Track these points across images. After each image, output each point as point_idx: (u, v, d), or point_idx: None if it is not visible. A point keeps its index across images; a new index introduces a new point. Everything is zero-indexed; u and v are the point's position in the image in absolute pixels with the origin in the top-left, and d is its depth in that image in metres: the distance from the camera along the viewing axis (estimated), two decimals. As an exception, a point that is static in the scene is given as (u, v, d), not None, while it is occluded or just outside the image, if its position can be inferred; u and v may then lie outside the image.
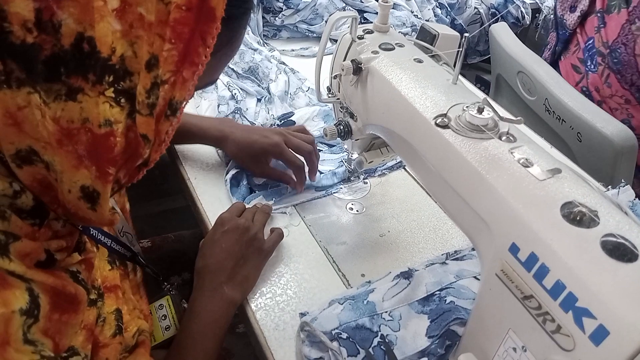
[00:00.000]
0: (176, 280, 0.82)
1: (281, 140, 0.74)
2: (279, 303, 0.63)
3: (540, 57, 1.18)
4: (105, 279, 0.53)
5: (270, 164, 0.77)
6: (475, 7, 1.48)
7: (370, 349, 0.56)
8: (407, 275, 0.64)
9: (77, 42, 0.32)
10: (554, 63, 1.24)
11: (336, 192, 0.80)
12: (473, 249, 0.68)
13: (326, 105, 0.93)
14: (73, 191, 0.36)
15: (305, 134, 0.80)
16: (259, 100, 0.98)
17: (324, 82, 0.67)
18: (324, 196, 0.79)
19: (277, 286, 0.65)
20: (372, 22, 0.63)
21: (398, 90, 0.53)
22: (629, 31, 1.00)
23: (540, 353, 0.39)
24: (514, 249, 0.39)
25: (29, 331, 0.34)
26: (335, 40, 0.66)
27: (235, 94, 0.95)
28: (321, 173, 0.81)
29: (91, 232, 0.51)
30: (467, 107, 0.46)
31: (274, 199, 0.76)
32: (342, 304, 0.60)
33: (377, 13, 0.61)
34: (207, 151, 0.84)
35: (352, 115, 0.66)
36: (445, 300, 0.60)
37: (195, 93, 0.46)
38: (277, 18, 1.20)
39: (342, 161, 0.83)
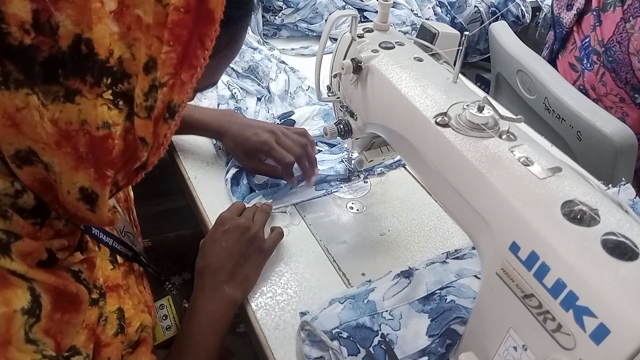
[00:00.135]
0: (177, 280, 0.82)
1: (271, 138, 0.74)
2: (280, 302, 0.63)
3: (540, 55, 1.18)
4: (107, 279, 0.53)
5: (263, 160, 0.77)
6: (475, 6, 1.48)
7: (371, 348, 0.56)
8: (408, 274, 0.64)
9: (75, 44, 0.32)
10: (552, 62, 1.24)
11: (336, 191, 0.80)
12: (473, 248, 0.68)
13: (326, 104, 0.93)
14: (72, 192, 0.36)
15: (303, 136, 0.80)
16: (258, 99, 0.98)
17: (324, 81, 0.67)
18: (324, 195, 0.79)
19: (278, 285, 0.65)
20: (372, 21, 0.63)
21: (398, 89, 0.53)
22: (623, 29, 1.00)
23: (541, 352, 0.39)
24: (514, 248, 0.39)
25: (31, 331, 0.34)
26: (335, 39, 0.66)
27: (235, 93, 0.95)
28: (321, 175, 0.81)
29: (93, 232, 0.51)
30: (467, 105, 0.46)
31: (273, 198, 0.76)
32: (342, 303, 0.60)
33: (377, 12, 0.61)
34: (206, 150, 0.84)
35: (352, 114, 0.66)
36: (446, 299, 0.60)
37: (194, 92, 0.46)
38: (277, 17, 1.20)
39: (342, 160, 0.83)
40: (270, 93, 0.98)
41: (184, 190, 0.81)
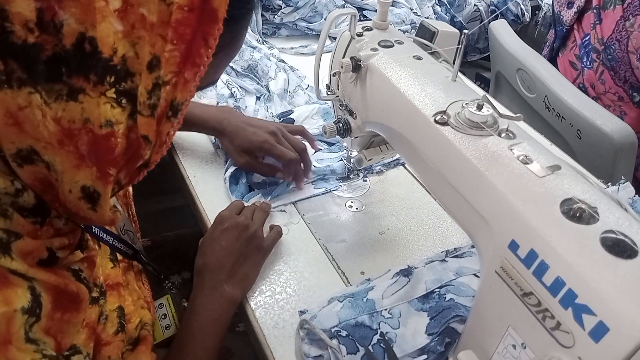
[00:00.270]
0: (176, 279, 0.82)
1: (270, 138, 0.74)
2: (279, 301, 0.63)
3: (540, 54, 1.18)
4: (107, 277, 0.53)
5: (260, 160, 0.77)
6: (474, 5, 1.48)
7: (370, 347, 0.56)
8: (407, 272, 0.64)
9: (79, 43, 0.32)
10: (552, 60, 1.24)
11: (335, 189, 0.80)
12: (473, 247, 0.68)
13: (325, 103, 0.92)
14: (74, 191, 0.36)
15: (303, 135, 0.80)
16: (258, 98, 0.98)
17: (323, 79, 0.67)
18: (323, 194, 0.79)
19: (277, 284, 0.65)
20: (371, 20, 0.63)
21: (397, 87, 0.53)
22: (623, 27, 1.00)
23: (540, 350, 0.39)
24: (513, 246, 0.39)
25: (31, 330, 0.34)
26: (335, 38, 0.66)
27: (234, 92, 0.95)
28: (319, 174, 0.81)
29: (93, 230, 0.51)
30: (466, 104, 0.46)
31: (272, 196, 0.76)
32: (341, 302, 0.60)
33: (376, 10, 0.61)
34: (206, 149, 0.84)
35: (351, 113, 0.66)
36: (445, 297, 0.60)
37: (194, 93, 0.46)
38: (276, 16, 1.20)
39: (341, 159, 0.83)
40: (269, 92, 0.98)
41: (183, 189, 0.81)
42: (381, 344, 0.56)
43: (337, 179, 0.81)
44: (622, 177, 0.77)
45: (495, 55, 1.28)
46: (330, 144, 0.88)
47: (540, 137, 0.92)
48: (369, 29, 0.62)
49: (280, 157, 0.74)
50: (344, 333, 0.56)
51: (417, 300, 0.60)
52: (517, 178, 0.41)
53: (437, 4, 1.42)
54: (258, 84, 1.00)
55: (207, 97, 0.94)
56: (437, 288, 0.61)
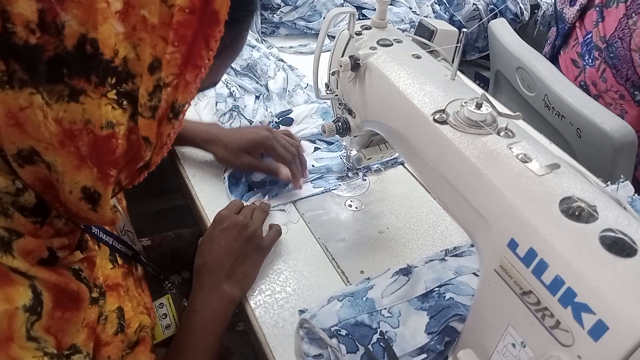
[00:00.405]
0: (176, 278, 0.82)
1: (269, 135, 0.75)
2: (278, 300, 0.63)
3: (541, 52, 1.18)
4: (106, 278, 0.53)
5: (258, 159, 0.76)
6: (474, 4, 1.48)
7: (370, 346, 0.56)
8: (406, 271, 0.64)
9: (80, 44, 0.32)
10: (554, 58, 1.24)
11: (335, 188, 0.80)
12: (472, 245, 0.68)
13: (324, 103, 0.92)
14: (74, 192, 0.36)
15: (290, 137, 0.80)
16: (257, 97, 0.98)
17: (322, 78, 0.67)
18: (323, 193, 0.79)
19: (276, 283, 0.65)
20: (370, 19, 0.63)
21: (396, 86, 0.53)
22: (625, 25, 1.00)
23: (539, 348, 0.39)
24: (512, 245, 0.39)
25: (32, 328, 0.34)
26: (334, 37, 0.66)
27: (233, 91, 0.95)
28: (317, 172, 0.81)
29: (93, 231, 0.51)
30: (465, 102, 0.46)
31: (271, 196, 0.76)
32: (341, 301, 0.60)
33: (375, 9, 0.61)
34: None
35: (350, 112, 0.66)
36: (445, 296, 0.60)
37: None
38: (275, 15, 1.20)
39: (341, 158, 0.83)
40: (268, 91, 0.98)
41: (183, 188, 0.81)
42: (381, 343, 0.56)
43: (336, 178, 0.81)
44: (622, 176, 0.77)
45: (494, 54, 1.28)
46: (330, 143, 0.88)
47: (540, 135, 0.92)
48: (368, 28, 0.62)
49: (281, 155, 0.74)
50: (343, 332, 0.56)
51: (417, 299, 0.60)
52: (516, 177, 0.41)
53: (436, 3, 1.42)
54: (257, 83, 1.00)
55: (207, 96, 0.94)
56: (437, 287, 0.61)
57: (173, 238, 0.90)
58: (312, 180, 0.80)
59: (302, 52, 1.16)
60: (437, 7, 1.42)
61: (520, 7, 1.51)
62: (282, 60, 1.07)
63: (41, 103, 0.32)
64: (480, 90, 0.56)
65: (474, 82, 1.44)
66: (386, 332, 0.57)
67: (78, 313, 0.40)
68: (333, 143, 0.88)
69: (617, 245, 0.35)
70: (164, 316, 0.62)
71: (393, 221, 0.75)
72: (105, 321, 0.47)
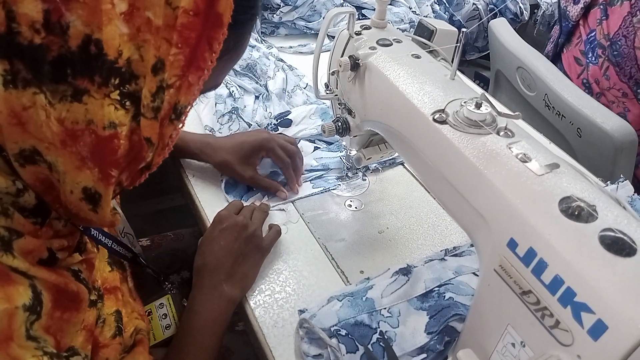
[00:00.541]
0: (176, 279, 0.82)
1: (268, 137, 0.75)
2: (278, 300, 0.63)
3: (543, 51, 1.18)
4: (105, 281, 0.53)
5: (257, 166, 0.76)
6: (473, 3, 1.48)
7: (369, 346, 0.56)
8: (406, 271, 0.64)
9: (85, 44, 0.32)
10: (557, 56, 1.24)
11: (334, 188, 0.80)
12: (472, 245, 0.68)
13: (324, 103, 0.92)
14: (75, 192, 0.36)
15: (293, 144, 0.80)
16: (256, 97, 0.98)
17: (322, 78, 0.67)
18: (322, 192, 0.79)
19: (276, 283, 0.65)
20: (369, 19, 0.63)
21: (396, 86, 0.53)
22: (630, 23, 1.00)
23: (539, 348, 0.39)
24: (512, 244, 0.39)
25: (32, 328, 0.34)
26: (333, 37, 0.66)
27: (232, 91, 0.95)
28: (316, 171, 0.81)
29: (92, 233, 0.51)
30: (464, 102, 0.46)
31: (270, 196, 0.76)
32: (340, 301, 0.60)
33: (374, 9, 0.61)
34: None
35: (350, 112, 0.66)
36: (444, 296, 0.60)
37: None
38: (275, 15, 1.20)
39: (340, 158, 0.83)
40: (268, 91, 0.98)
41: (183, 189, 0.81)
42: (380, 343, 0.56)
43: (336, 178, 0.81)
44: (621, 176, 0.77)
45: (495, 54, 1.28)
46: (329, 143, 0.88)
47: (539, 135, 0.92)
48: (368, 28, 0.62)
49: (280, 157, 0.75)
50: (343, 332, 0.56)
51: (417, 299, 0.60)
52: (515, 176, 0.41)
53: (435, 3, 1.42)
54: (257, 83, 1.00)
55: (207, 96, 0.94)
56: (437, 287, 0.61)
57: (173, 238, 0.90)
58: (312, 180, 0.80)
59: (301, 52, 1.16)
60: (436, 7, 1.42)
61: (520, 7, 1.51)
62: (281, 60, 1.07)
63: (44, 103, 0.32)
64: (479, 90, 0.56)
65: (474, 82, 1.44)
66: (386, 331, 0.57)
67: (77, 314, 0.40)
68: (333, 143, 0.88)
69: (617, 245, 0.35)
70: (164, 316, 0.62)
71: (393, 221, 0.75)
72: (103, 324, 0.47)
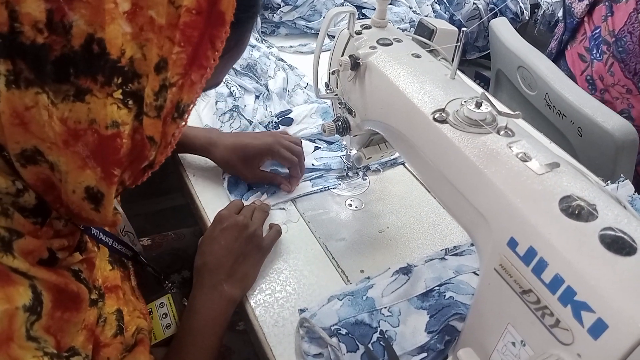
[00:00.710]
0: (176, 278, 0.82)
1: (274, 141, 0.75)
2: (278, 299, 0.63)
3: (543, 50, 1.18)
4: (105, 279, 0.53)
5: (261, 167, 0.76)
6: (474, 3, 1.48)
7: (370, 345, 0.56)
8: (406, 271, 0.64)
9: (87, 44, 0.32)
10: (561, 53, 1.25)
11: (335, 188, 0.80)
12: (472, 245, 0.68)
13: (324, 103, 0.92)
14: (77, 192, 0.36)
15: (298, 145, 0.80)
16: (257, 97, 0.98)
17: (322, 78, 0.67)
18: (322, 191, 0.79)
19: (276, 283, 0.65)
20: (370, 18, 0.62)
21: (396, 85, 0.53)
22: (635, 20, 1.01)
23: (539, 347, 0.39)
24: (512, 244, 0.39)
25: (32, 328, 0.34)
26: (334, 36, 0.66)
27: (233, 90, 0.95)
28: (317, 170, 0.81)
29: (92, 232, 0.51)
30: (465, 101, 0.46)
31: (270, 195, 0.76)
32: (341, 300, 0.60)
33: (375, 9, 0.61)
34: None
35: (350, 111, 0.66)
36: (445, 295, 0.60)
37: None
38: (275, 15, 1.20)
39: (341, 158, 0.83)
40: (268, 91, 0.98)
41: (183, 188, 0.81)
42: (381, 342, 0.56)
43: (336, 178, 0.81)
44: (622, 175, 0.77)
45: (495, 53, 1.28)
46: (330, 143, 0.88)
47: (539, 134, 0.92)
48: (368, 27, 0.62)
49: (286, 161, 0.75)
50: (343, 331, 0.56)
51: (417, 298, 0.60)
52: (515, 176, 0.41)
53: (436, 2, 1.42)
54: (257, 82, 1.00)
55: (207, 96, 0.94)
56: (437, 286, 0.61)
57: (173, 237, 0.90)
58: (312, 179, 0.80)
59: (302, 52, 1.16)
60: (437, 7, 1.42)
61: (520, 7, 1.51)
62: (282, 60, 1.07)
63: (47, 102, 0.32)
64: (480, 90, 0.56)
65: (474, 81, 1.44)
66: (386, 331, 0.57)
67: (78, 314, 0.40)
68: (333, 143, 0.88)
69: (617, 244, 0.35)
70: (164, 316, 0.62)
71: (393, 220, 0.75)
72: (104, 323, 0.47)
